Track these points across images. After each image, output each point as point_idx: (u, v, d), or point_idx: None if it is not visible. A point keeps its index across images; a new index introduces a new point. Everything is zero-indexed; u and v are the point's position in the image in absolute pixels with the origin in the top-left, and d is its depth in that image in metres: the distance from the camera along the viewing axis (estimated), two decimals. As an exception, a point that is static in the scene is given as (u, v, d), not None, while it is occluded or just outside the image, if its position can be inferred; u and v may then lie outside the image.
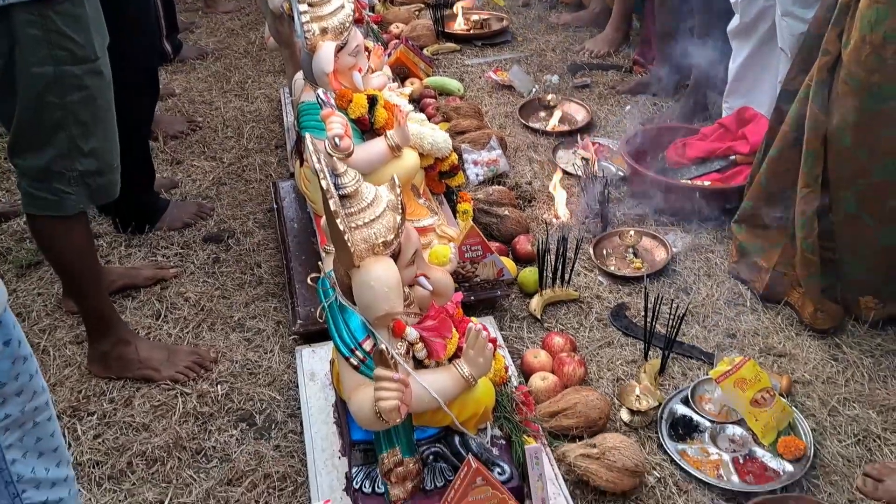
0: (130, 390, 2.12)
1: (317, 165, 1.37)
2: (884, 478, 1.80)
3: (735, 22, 2.84)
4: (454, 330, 1.65)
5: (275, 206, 2.69)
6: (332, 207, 1.37)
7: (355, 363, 1.53)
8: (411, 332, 1.57)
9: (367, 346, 1.52)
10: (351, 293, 1.52)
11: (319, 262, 1.58)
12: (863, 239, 2.10)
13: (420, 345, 1.59)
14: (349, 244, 1.41)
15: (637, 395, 2.02)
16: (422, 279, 1.59)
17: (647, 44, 3.76)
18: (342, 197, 1.44)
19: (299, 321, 2.21)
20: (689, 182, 2.74)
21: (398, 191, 1.49)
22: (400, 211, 1.49)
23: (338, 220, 1.37)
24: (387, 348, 1.39)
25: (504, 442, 1.79)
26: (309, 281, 1.56)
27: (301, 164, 2.31)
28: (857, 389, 2.07)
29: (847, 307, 2.24)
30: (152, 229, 2.72)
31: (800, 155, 2.11)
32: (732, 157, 2.77)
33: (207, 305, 2.41)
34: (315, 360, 2.11)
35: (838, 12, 1.99)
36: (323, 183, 1.36)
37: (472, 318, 1.72)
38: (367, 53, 2.23)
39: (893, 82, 1.92)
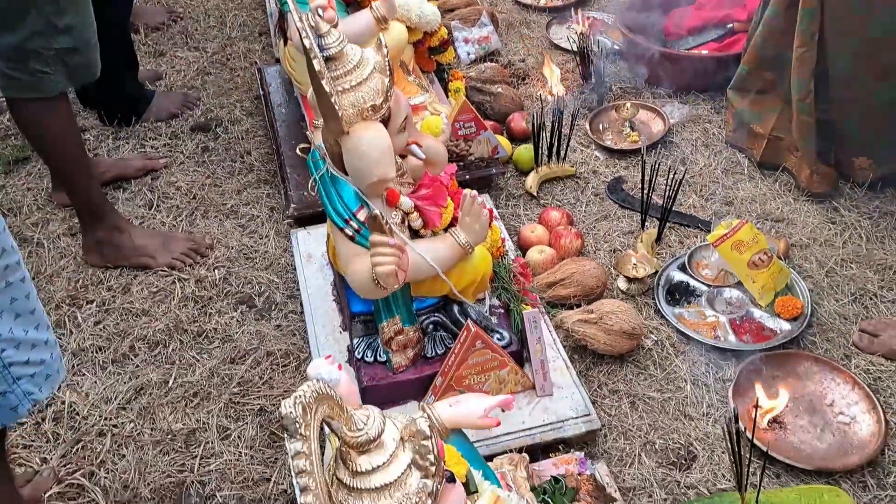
0: (128, 278, 2.12)
1: (298, 24, 1.31)
2: (879, 332, 1.82)
3: None
4: (449, 200, 1.63)
5: (261, 92, 2.63)
6: (317, 67, 1.32)
7: (350, 233, 1.51)
8: (405, 202, 1.55)
9: (362, 216, 1.50)
10: (342, 162, 1.49)
11: (307, 133, 1.54)
12: (858, 97, 2.06)
13: (415, 214, 1.57)
14: (337, 108, 1.37)
15: (634, 264, 2.02)
16: (413, 147, 1.56)
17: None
18: (327, 59, 1.39)
19: (293, 205, 2.19)
20: (686, 51, 2.67)
21: (385, 51, 1.44)
22: (388, 73, 1.44)
23: (323, 82, 1.33)
24: (381, 213, 1.37)
25: (503, 311, 1.80)
26: (298, 151, 1.53)
27: (285, 44, 2.24)
28: (854, 250, 2.07)
29: (842, 170, 2.22)
30: (139, 121, 2.66)
31: (796, 14, 2.04)
32: (730, 26, 2.69)
33: (199, 194, 2.38)
34: (311, 242, 2.10)
35: None
36: (306, 42, 1.31)
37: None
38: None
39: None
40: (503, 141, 2.39)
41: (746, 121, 2.32)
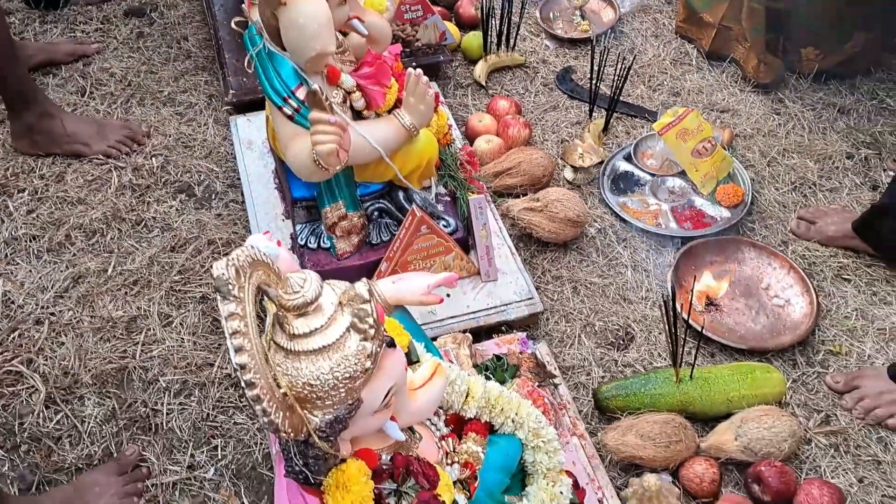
0: (61, 166, 2.04)
1: None
2: (816, 220, 1.86)
3: None
4: (393, 80, 1.58)
5: (198, -27, 2.50)
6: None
7: (289, 113, 1.46)
8: (347, 79, 1.50)
9: (301, 94, 1.45)
10: (279, 37, 1.43)
11: (242, 6, 1.47)
12: (811, -16, 2.05)
13: (357, 94, 1.52)
14: (273, -24, 1.30)
15: (581, 154, 2.01)
16: (355, 22, 1.50)
17: None
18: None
19: (231, 91, 2.11)
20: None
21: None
22: (327, -59, 1.37)
23: (258, -55, 1.25)
24: (320, 89, 1.32)
25: (449, 199, 1.78)
26: (233, 25, 1.46)
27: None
28: (796, 141, 2.09)
29: (789, 61, 2.22)
30: (67, 4, 2.51)
31: None
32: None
33: (135, 81, 2.28)
34: (251, 129, 2.04)
35: None
36: None
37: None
38: None
39: None
40: (451, 27, 2.33)
41: (696, 9, 2.28)
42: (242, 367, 0.78)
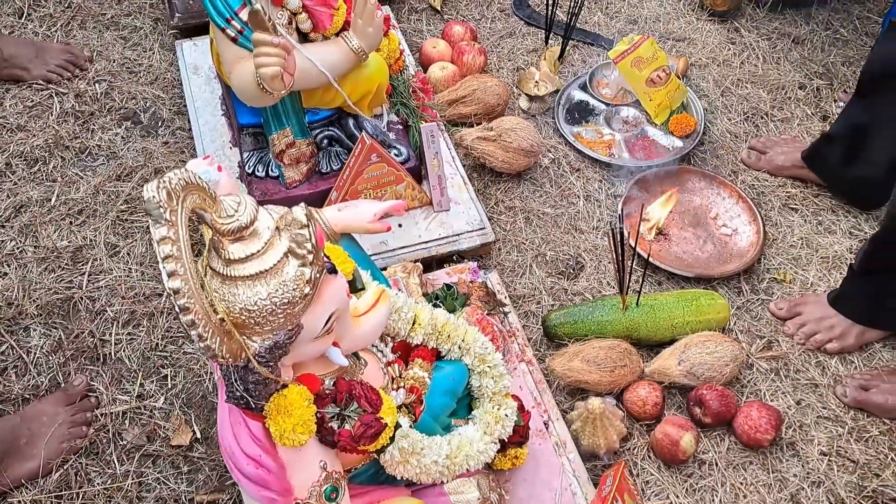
0: (-2, 92, 1.97)
1: None
2: (767, 150, 1.88)
3: None
4: (341, 1, 1.53)
5: None
6: None
7: (232, 34, 1.41)
8: (293, 0, 1.45)
9: (244, 15, 1.40)
10: (221, -46, 1.37)
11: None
12: None
13: (304, 15, 1.48)
14: None
15: (536, 82, 1.99)
16: (301, -60, 1.44)
17: None
18: None
19: (177, 14, 2.04)
20: None
21: None
22: None
23: None
24: (263, 8, 1.27)
25: (401, 127, 1.76)
26: (172, -59, 1.39)
27: None
28: (750, 71, 2.09)
29: (749, -12, 2.21)
30: (-1, -81, 2.38)
31: None
32: None
33: (76, 2, 2.18)
34: (198, 54, 1.98)
35: None
36: None
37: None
38: None
39: None
40: (405, -50, 2.26)
41: (656, -65, 2.24)
42: (176, 291, 0.76)
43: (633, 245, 1.54)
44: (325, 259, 0.89)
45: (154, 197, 0.75)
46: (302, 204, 0.89)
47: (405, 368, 1.12)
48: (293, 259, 0.84)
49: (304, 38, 1.50)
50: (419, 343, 1.15)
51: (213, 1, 1.41)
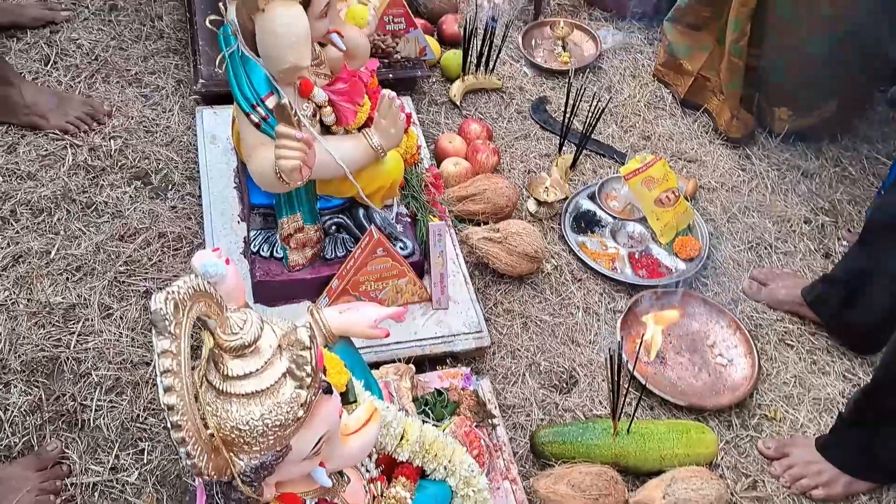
0: (15, 137, 1.97)
1: None
2: (768, 282, 1.89)
3: None
4: (366, 97, 1.56)
5: (181, -48, 2.43)
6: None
7: (256, 120, 1.43)
8: (319, 94, 1.47)
9: (270, 102, 1.42)
10: (255, 41, 1.39)
11: (221, 4, 1.43)
12: (791, 46, 2.06)
13: (328, 108, 1.50)
14: (254, -17, 1.27)
15: (546, 187, 2.01)
16: (334, 36, 1.47)
17: None
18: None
19: (201, 80, 2.06)
20: (630, -24, 2.60)
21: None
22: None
23: (241, -48, 1.22)
24: (290, 103, 1.29)
25: (409, 220, 1.77)
26: (208, 23, 1.42)
27: None
28: (758, 199, 2.11)
29: (762, 118, 2.25)
30: (41, -34, 2.43)
31: (744, -49, 2.00)
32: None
33: (102, 55, 2.21)
34: (217, 123, 2.00)
35: None
36: None
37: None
38: None
39: None
40: (432, 43, 2.31)
41: (677, 55, 2.30)
42: (170, 407, 0.75)
43: (630, 368, 1.53)
44: (322, 380, 0.87)
45: (161, 309, 0.75)
46: (308, 305, 0.88)
47: (388, 486, 1.10)
48: (291, 380, 0.83)
49: (326, 129, 1.52)
50: (405, 460, 1.13)
51: (240, 85, 1.43)
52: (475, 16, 2.28)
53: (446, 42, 2.41)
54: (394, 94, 1.51)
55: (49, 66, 2.17)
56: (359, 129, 1.55)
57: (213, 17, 1.43)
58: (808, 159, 2.23)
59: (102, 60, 2.20)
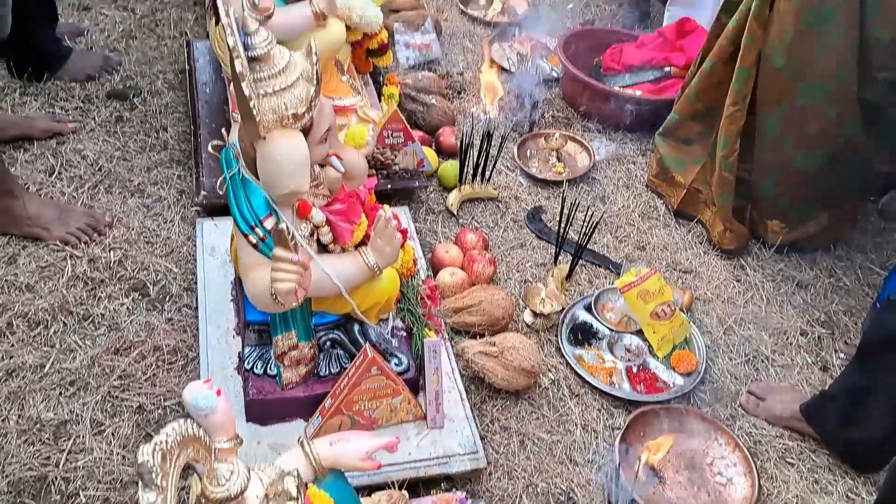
0: (15, 248, 1.99)
1: (224, 19, 1.24)
2: (765, 397, 1.87)
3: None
4: (363, 216, 1.58)
5: (187, 66, 2.52)
6: (238, 69, 1.25)
7: (254, 241, 1.45)
8: (317, 215, 1.50)
9: (269, 224, 1.44)
10: (255, 166, 1.42)
11: (224, 130, 1.47)
12: (780, 162, 2.11)
13: (326, 228, 1.52)
14: (255, 112, 1.31)
15: (542, 298, 2.01)
16: (333, 159, 1.50)
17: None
18: (251, 59, 1.32)
19: (203, 192, 2.10)
20: (621, 90, 2.68)
21: (315, 59, 1.38)
22: (315, 82, 1.38)
23: (243, 84, 1.26)
24: (288, 228, 1.31)
25: (405, 334, 1.77)
26: (210, 148, 1.45)
27: (217, 23, 2.14)
28: (754, 311, 2.12)
29: (755, 230, 2.28)
30: (52, 78, 2.51)
31: (733, 71, 2.07)
32: (668, 69, 2.72)
33: (106, 166, 2.26)
34: (217, 235, 2.02)
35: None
36: (230, 40, 1.24)
37: (385, 206, 1.65)
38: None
39: (833, 4, 1.87)
40: (430, 154, 2.36)
41: (669, 168, 2.35)
42: (153, 564, 0.73)
43: (630, 489, 1.50)
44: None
45: (148, 462, 0.74)
46: (299, 436, 0.87)
47: None
48: (279, 530, 0.81)
49: (323, 248, 1.54)
50: None
51: (240, 207, 1.45)
52: (472, 128, 2.35)
53: (444, 152, 2.47)
54: (390, 214, 1.54)
55: (53, 176, 2.21)
56: (356, 247, 1.56)
57: (215, 142, 1.47)
58: (803, 270, 2.24)
59: (106, 171, 2.24)
